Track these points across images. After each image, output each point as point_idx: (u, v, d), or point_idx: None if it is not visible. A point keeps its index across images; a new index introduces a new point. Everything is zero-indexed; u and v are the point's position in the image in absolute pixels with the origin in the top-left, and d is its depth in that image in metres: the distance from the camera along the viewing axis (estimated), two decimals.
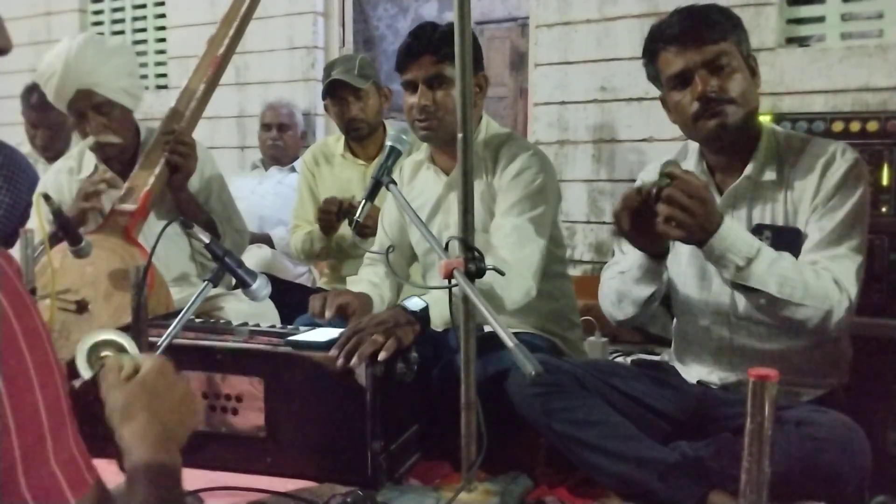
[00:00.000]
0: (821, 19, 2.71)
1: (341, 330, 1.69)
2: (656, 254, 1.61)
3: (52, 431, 0.64)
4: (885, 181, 2.12)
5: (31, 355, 0.63)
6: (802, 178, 1.61)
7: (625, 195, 1.55)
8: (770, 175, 1.63)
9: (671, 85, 1.64)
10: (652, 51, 1.67)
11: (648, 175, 1.84)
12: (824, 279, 1.51)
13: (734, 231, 1.50)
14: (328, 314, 1.83)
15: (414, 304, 1.69)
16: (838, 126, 2.21)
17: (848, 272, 1.54)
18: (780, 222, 1.62)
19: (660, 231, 1.48)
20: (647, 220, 1.51)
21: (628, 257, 1.68)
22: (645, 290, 1.66)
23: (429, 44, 1.91)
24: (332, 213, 2.47)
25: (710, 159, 1.71)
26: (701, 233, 1.47)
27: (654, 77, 1.70)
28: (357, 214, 1.72)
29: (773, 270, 1.49)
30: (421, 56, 1.91)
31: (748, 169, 1.64)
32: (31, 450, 0.62)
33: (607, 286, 1.75)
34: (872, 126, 2.17)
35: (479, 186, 1.95)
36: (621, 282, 1.69)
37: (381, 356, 1.58)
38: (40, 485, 0.62)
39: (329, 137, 2.96)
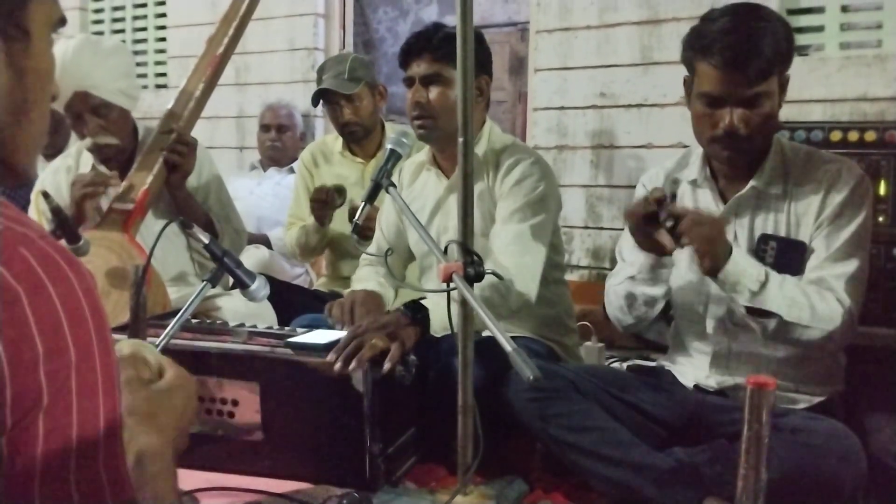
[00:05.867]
0: (820, 29, 2.72)
1: (340, 332, 1.69)
2: (662, 252, 1.62)
3: (104, 440, 0.67)
4: (882, 191, 2.13)
5: (101, 365, 0.67)
6: (807, 192, 1.62)
7: (633, 205, 1.58)
8: (777, 189, 1.64)
9: (700, 97, 1.59)
10: (689, 58, 1.61)
11: (650, 179, 1.85)
12: (829, 300, 1.53)
13: (743, 257, 1.53)
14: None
15: (414, 307, 1.70)
16: (836, 136, 2.22)
17: (851, 290, 1.55)
18: (782, 233, 1.63)
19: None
20: (654, 225, 1.54)
21: (636, 262, 1.68)
22: (655, 291, 1.67)
23: (428, 43, 1.94)
24: (322, 201, 2.48)
25: (714, 166, 1.72)
26: (723, 258, 1.49)
27: (686, 63, 1.64)
28: (356, 217, 1.72)
29: (783, 293, 1.51)
30: (420, 54, 1.95)
31: (755, 180, 1.64)
32: (85, 451, 0.66)
33: (614, 292, 1.75)
34: (870, 136, 2.18)
35: (478, 190, 1.95)
36: (631, 285, 1.70)
37: (386, 366, 1.58)
38: (86, 485, 0.66)
39: (328, 136, 2.96)
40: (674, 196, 1.53)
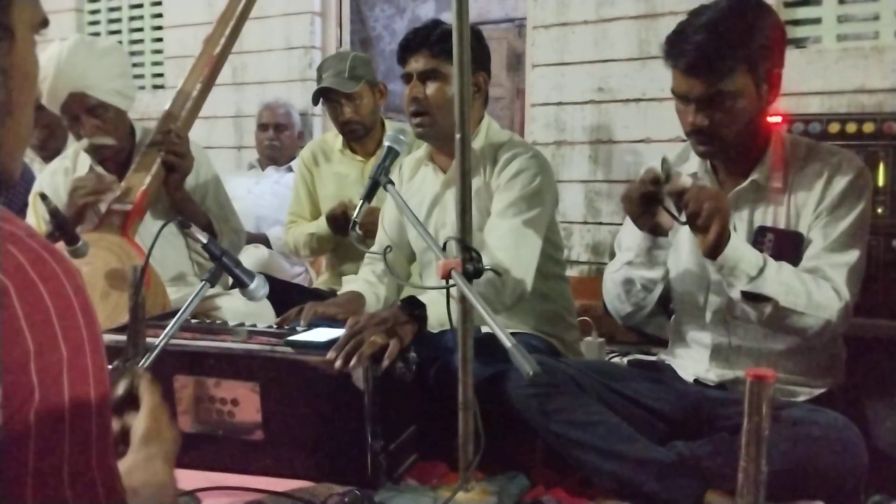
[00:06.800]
0: (817, 21, 2.72)
1: (340, 330, 1.69)
2: (659, 233, 1.63)
3: (96, 437, 0.67)
4: (880, 182, 2.13)
5: (92, 361, 0.67)
6: (807, 184, 1.62)
7: (629, 188, 1.59)
8: (777, 182, 1.64)
9: (675, 96, 1.64)
10: (664, 60, 1.64)
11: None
12: (825, 289, 1.53)
13: (742, 243, 1.53)
14: (302, 324, 1.86)
15: (412, 303, 1.70)
16: (834, 127, 2.21)
17: (848, 280, 1.55)
18: (781, 225, 1.63)
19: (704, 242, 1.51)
20: (652, 207, 1.56)
21: (633, 245, 1.69)
22: (653, 274, 1.68)
23: (426, 39, 1.94)
24: (339, 218, 2.51)
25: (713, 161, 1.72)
26: (725, 237, 1.49)
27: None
28: (355, 215, 1.72)
29: (780, 279, 1.51)
30: (417, 50, 1.95)
31: (755, 174, 1.64)
32: (78, 449, 0.66)
33: (612, 280, 1.76)
34: (868, 127, 2.18)
35: (475, 186, 1.95)
36: (628, 270, 1.70)
37: (385, 362, 1.59)
38: (80, 483, 0.66)
39: (328, 134, 2.96)
40: (668, 176, 1.53)
